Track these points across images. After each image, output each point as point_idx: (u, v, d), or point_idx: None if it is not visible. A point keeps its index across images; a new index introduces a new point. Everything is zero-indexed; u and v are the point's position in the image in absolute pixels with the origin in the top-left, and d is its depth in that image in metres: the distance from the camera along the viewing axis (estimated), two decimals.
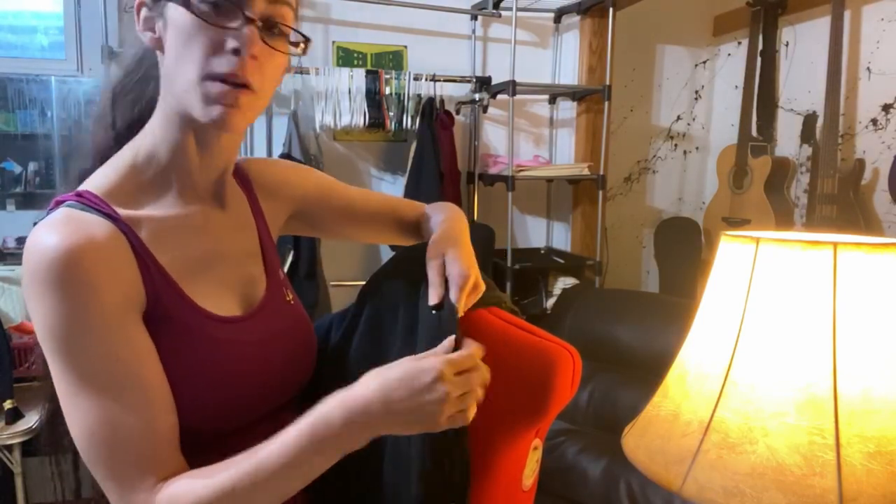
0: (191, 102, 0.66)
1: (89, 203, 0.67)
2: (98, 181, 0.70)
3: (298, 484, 0.63)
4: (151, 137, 0.72)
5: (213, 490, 0.61)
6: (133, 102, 0.75)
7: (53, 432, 0.69)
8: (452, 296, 0.72)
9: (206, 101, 0.65)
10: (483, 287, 0.77)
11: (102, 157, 0.74)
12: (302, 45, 0.71)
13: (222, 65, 0.64)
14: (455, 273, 0.74)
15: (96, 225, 0.65)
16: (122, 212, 0.68)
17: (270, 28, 0.67)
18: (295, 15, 0.71)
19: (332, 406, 0.62)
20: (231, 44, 0.64)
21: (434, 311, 0.72)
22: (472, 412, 0.63)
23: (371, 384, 0.62)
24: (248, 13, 0.65)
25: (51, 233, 0.62)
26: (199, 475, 0.63)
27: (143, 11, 0.69)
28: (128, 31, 0.64)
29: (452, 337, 0.66)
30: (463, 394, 0.62)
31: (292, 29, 0.70)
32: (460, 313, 0.72)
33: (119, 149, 0.73)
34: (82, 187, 0.69)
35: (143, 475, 0.62)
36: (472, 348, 0.65)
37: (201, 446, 0.70)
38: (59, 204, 0.67)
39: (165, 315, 0.67)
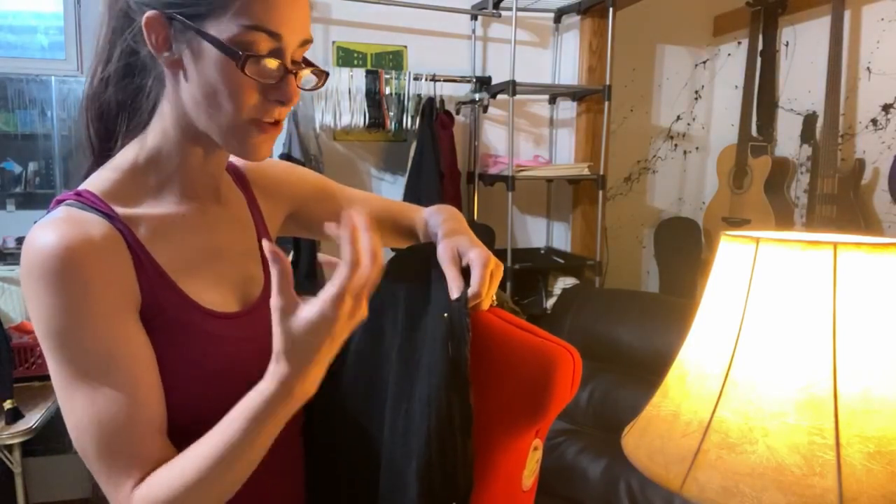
0: (228, 141, 0.69)
1: (88, 202, 0.68)
2: (98, 181, 0.71)
3: (254, 454, 0.63)
4: (157, 141, 0.72)
5: (179, 481, 0.62)
6: (118, 108, 0.75)
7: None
8: (476, 276, 0.74)
9: (243, 141, 0.69)
10: (502, 267, 0.79)
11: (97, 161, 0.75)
12: (321, 80, 0.74)
13: (269, 114, 0.68)
14: (474, 256, 0.76)
15: (93, 224, 0.65)
16: (121, 211, 0.69)
17: (298, 63, 0.70)
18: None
19: (259, 386, 0.62)
20: (275, 95, 0.67)
21: (455, 303, 0.72)
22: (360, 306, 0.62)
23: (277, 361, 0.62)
24: (289, 64, 0.67)
25: (48, 231, 0.63)
26: (163, 470, 0.64)
27: (162, 31, 0.67)
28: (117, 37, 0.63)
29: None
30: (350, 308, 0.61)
31: (312, 65, 0.72)
32: (486, 296, 0.74)
33: (106, 155, 0.74)
34: (82, 187, 0.70)
35: (133, 469, 0.63)
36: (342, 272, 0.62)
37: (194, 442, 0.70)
38: (59, 203, 0.68)
39: (161, 311, 0.68)
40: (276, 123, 0.70)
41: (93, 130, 0.75)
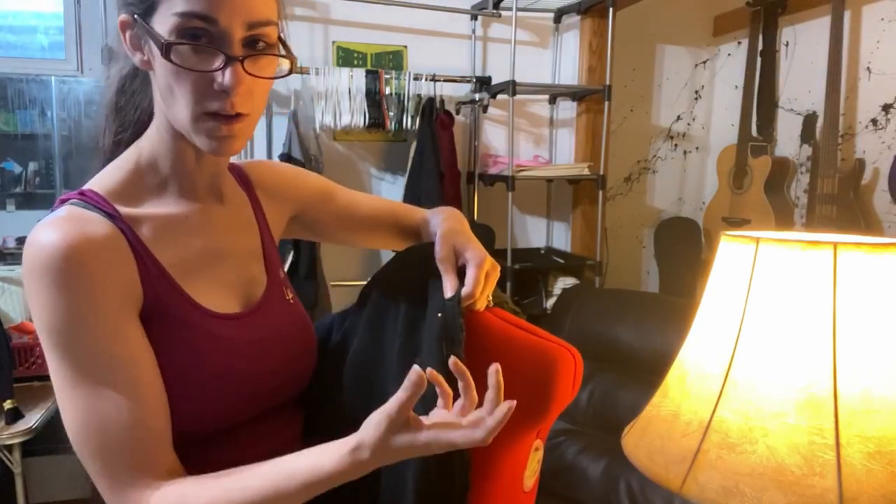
0: (190, 136, 0.68)
1: (91, 201, 0.68)
2: (102, 180, 0.71)
3: None
4: (153, 141, 0.73)
5: None
6: (133, 110, 0.76)
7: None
8: (470, 276, 0.73)
9: (205, 135, 0.67)
10: (498, 268, 0.78)
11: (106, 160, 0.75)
12: (289, 64, 0.71)
13: (213, 105, 0.65)
14: (470, 256, 0.76)
15: (96, 223, 0.65)
16: (124, 210, 0.69)
17: (253, 47, 0.67)
18: (279, 24, 0.70)
19: (331, 457, 0.61)
20: (218, 85, 0.64)
21: (448, 302, 0.72)
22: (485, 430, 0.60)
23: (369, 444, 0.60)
24: (229, 51, 0.64)
25: (50, 229, 0.63)
26: (192, 486, 0.63)
27: (129, 32, 0.68)
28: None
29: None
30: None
31: (277, 50, 0.69)
32: (481, 296, 0.73)
33: (119, 151, 0.74)
34: (86, 186, 0.70)
35: (134, 473, 0.63)
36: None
37: (199, 444, 0.70)
38: (63, 202, 0.68)
39: (163, 311, 0.68)
40: (238, 116, 0.66)
41: (111, 135, 0.76)
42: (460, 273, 0.76)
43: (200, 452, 0.70)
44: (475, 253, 0.76)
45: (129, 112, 0.77)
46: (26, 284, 0.63)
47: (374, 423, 0.60)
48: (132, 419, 0.63)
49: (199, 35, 0.64)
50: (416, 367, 0.59)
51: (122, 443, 0.63)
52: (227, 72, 0.64)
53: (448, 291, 0.73)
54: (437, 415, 0.62)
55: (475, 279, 0.73)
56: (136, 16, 0.66)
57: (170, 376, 0.67)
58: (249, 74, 0.66)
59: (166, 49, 0.63)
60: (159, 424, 0.65)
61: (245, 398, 0.73)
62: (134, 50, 0.69)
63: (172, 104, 0.67)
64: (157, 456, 0.64)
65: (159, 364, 0.67)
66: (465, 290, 0.73)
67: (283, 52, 0.70)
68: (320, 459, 0.61)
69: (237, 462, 0.64)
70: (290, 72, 0.71)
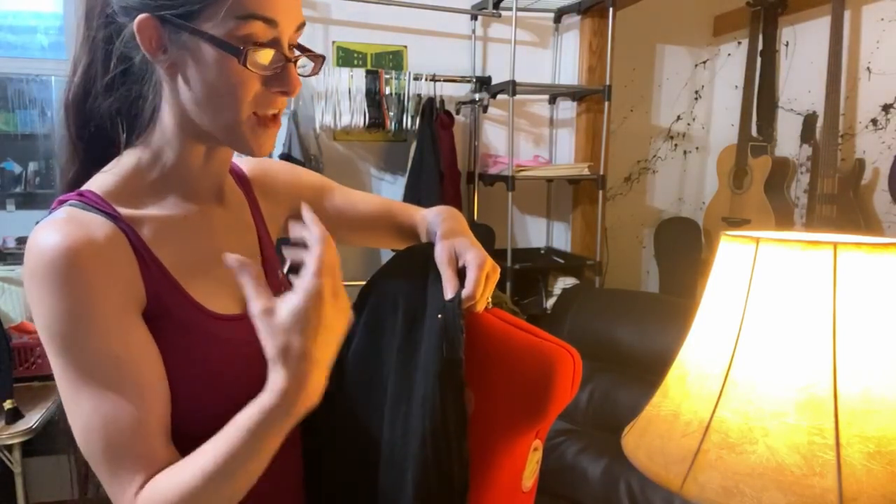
0: (233, 139, 0.68)
1: (90, 202, 0.67)
2: (101, 181, 0.70)
3: (256, 465, 0.62)
4: (158, 143, 0.72)
5: (178, 488, 0.61)
6: (116, 116, 0.73)
7: (67, 429, 0.70)
8: (471, 278, 0.73)
9: (253, 138, 0.68)
10: (498, 270, 0.78)
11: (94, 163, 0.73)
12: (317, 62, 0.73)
13: (272, 106, 0.67)
14: (471, 257, 0.75)
15: (96, 224, 0.65)
16: (124, 211, 0.68)
17: (291, 50, 0.69)
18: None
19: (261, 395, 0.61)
20: (277, 86, 0.66)
21: (449, 304, 0.72)
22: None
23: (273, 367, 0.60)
24: (286, 52, 0.66)
25: (51, 231, 0.63)
26: (163, 473, 0.63)
27: (155, 33, 0.66)
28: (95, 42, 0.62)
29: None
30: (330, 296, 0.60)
31: (310, 51, 0.71)
32: (481, 298, 0.73)
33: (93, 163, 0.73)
34: (85, 187, 0.69)
35: (138, 472, 0.63)
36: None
37: (196, 444, 0.70)
38: (61, 203, 0.68)
39: (165, 312, 0.68)
40: (276, 117, 0.68)
41: (75, 137, 0.73)
42: (460, 274, 0.76)
43: None
44: (475, 254, 0.76)
45: (126, 117, 0.74)
46: (27, 287, 0.63)
47: (263, 341, 0.59)
48: (137, 421, 0.63)
49: (260, 38, 0.64)
50: (227, 257, 0.60)
51: (127, 444, 0.63)
52: (289, 73, 0.66)
53: (448, 293, 0.73)
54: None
55: (475, 281, 0.73)
56: (168, 16, 0.64)
57: (171, 377, 0.67)
58: (299, 76, 0.68)
59: (246, 55, 0.63)
60: (162, 424, 0.65)
61: (245, 399, 0.73)
62: (156, 53, 0.66)
63: (216, 108, 0.66)
64: (160, 457, 0.64)
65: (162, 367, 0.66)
66: (465, 292, 0.73)
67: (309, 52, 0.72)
68: (251, 407, 0.60)
69: None
70: (318, 70, 0.73)
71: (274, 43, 0.65)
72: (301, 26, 0.68)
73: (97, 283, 0.62)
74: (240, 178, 0.85)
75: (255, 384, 0.75)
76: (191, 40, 0.64)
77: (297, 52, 0.69)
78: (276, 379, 0.59)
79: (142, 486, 0.63)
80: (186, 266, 0.71)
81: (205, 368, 0.69)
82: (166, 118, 0.71)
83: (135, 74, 0.71)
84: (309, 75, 0.72)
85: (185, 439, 0.68)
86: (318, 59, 0.72)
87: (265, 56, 0.65)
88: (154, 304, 0.67)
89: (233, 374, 0.71)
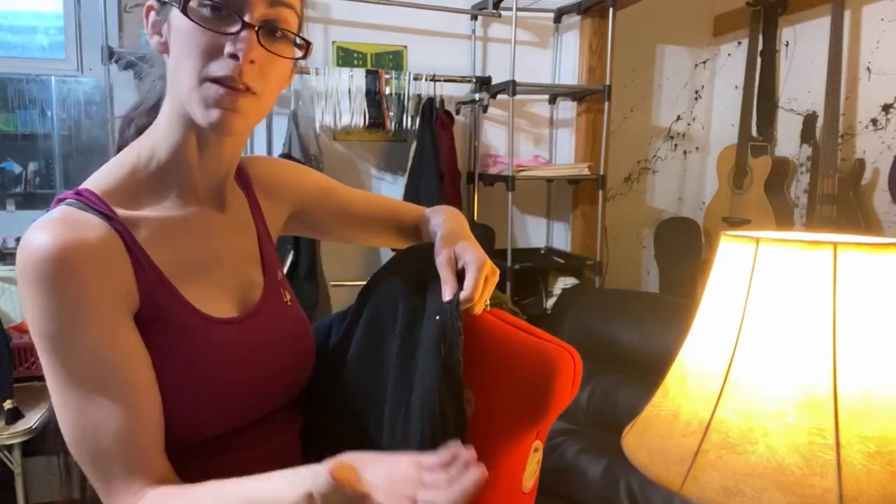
0: (191, 106, 0.66)
1: (87, 202, 0.67)
2: (100, 180, 0.70)
3: None
4: (154, 137, 0.72)
5: None
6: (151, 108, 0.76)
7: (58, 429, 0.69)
8: (470, 280, 0.72)
9: (205, 104, 0.65)
10: (497, 272, 0.78)
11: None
12: (303, 50, 0.70)
13: (220, 69, 0.64)
14: (470, 259, 0.75)
15: (90, 225, 0.64)
16: (120, 212, 0.68)
17: (272, 32, 0.67)
18: (299, 17, 0.70)
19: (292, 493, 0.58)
20: (229, 48, 0.64)
21: (447, 306, 0.72)
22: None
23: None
24: (247, 18, 0.64)
25: (43, 231, 0.62)
26: (175, 494, 0.62)
27: (152, 16, 0.69)
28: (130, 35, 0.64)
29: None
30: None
31: (294, 33, 0.69)
32: (479, 300, 0.73)
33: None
34: (83, 186, 0.69)
35: (127, 478, 0.62)
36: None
37: (198, 448, 0.70)
38: (59, 202, 0.67)
39: (159, 315, 0.67)
40: (246, 91, 0.65)
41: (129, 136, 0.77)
42: (459, 276, 0.76)
43: (200, 456, 0.70)
44: (475, 256, 0.75)
45: (144, 113, 0.77)
46: (19, 287, 0.62)
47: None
48: (124, 426, 0.62)
49: (221, 7, 0.64)
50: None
51: (114, 448, 0.62)
52: (241, 35, 0.64)
53: (447, 295, 0.73)
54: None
55: (474, 283, 0.73)
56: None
57: (166, 381, 0.66)
58: (263, 47, 0.65)
59: (184, 4, 0.63)
60: (152, 430, 0.65)
61: (243, 403, 0.73)
62: (153, 33, 0.69)
63: (180, 74, 0.66)
64: (149, 462, 0.64)
65: (155, 369, 0.66)
66: (463, 294, 0.72)
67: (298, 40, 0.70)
68: (282, 493, 0.58)
69: (236, 465, 0.64)
70: (306, 55, 0.70)
71: (235, 8, 0.64)
72: (279, 3, 0.66)
73: (87, 285, 0.62)
74: (239, 174, 0.85)
75: (251, 387, 0.74)
76: (170, 12, 0.66)
77: (279, 34, 0.67)
78: (318, 482, 0.55)
79: (140, 491, 0.62)
80: (182, 268, 0.71)
81: (199, 371, 0.69)
82: (164, 110, 0.71)
83: (150, 67, 0.76)
84: (299, 58, 0.70)
85: (179, 442, 0.67)
86: (305, 46, 0.70)
87: (212, 14, 0.64)
88: (147, 306, 0.66)
89: (226, 377, 0.71)
